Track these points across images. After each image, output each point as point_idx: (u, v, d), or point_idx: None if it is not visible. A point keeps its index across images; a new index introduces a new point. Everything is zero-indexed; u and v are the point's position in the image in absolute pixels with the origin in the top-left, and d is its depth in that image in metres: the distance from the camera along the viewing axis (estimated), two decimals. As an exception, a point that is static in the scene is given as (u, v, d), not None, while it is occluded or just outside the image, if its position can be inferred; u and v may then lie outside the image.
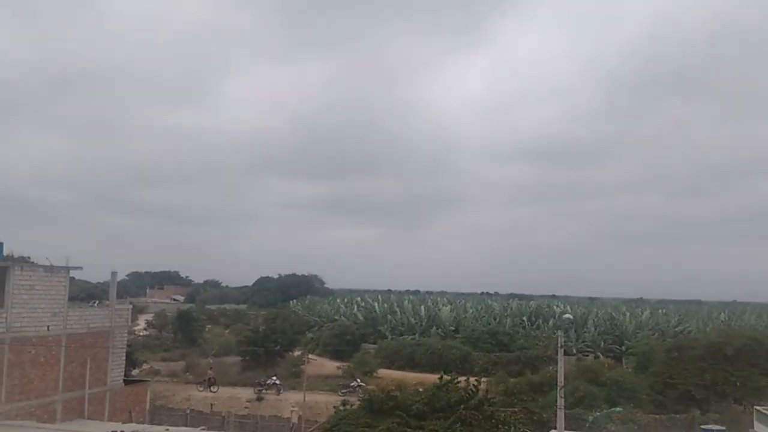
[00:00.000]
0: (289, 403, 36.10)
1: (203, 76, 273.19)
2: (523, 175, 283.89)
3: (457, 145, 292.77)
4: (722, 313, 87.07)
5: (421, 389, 22.96)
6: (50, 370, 24.00)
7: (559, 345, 21.64)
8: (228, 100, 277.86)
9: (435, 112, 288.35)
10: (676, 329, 66.32)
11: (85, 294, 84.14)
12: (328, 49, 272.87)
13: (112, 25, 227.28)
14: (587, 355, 55.85)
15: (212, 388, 40.38)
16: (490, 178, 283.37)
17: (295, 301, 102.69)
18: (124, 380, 29.20)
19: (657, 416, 30.24)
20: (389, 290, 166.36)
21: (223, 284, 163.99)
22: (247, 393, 39.72)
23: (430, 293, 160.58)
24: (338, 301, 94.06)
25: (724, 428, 25.55)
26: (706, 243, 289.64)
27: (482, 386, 21.41)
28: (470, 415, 18.95)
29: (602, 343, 60.34)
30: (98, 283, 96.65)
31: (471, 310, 76.52)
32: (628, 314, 71.85)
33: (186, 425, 30.37)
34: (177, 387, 41.64)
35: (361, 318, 71.08)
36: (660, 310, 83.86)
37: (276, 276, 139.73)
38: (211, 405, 37.25)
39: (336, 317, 73.78)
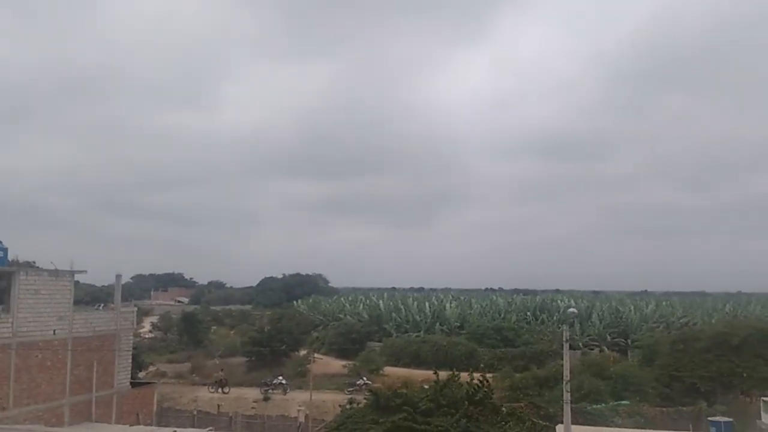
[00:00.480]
0: (295, 402, 36.19)
1: (204, 77, 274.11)
2: (526, 170, 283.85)
3: (460, 143, 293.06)
4: (727, 305, 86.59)
5: (426, 386, 23.00)
6: (57, 374, 24.06)
7: (564, 339, 21.61)
8: (229, 100, 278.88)
9: (436, 110, 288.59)
10: (681, 321, 66.14)
11: (90, 297, 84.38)
12: (328, 48, 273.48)
13: (112, 26, 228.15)
14: (592, 349, 55.85)
15: (224, 389, 40.45)
16: (493, 174, 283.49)
17: (299, 300, 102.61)
18: (131, 383, 29.23)
19: (663, 409, 30.26)
20: (393, 288, 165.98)
21: (228, 285, 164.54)
22: (253, 393, 39.83)
23: (434, 290, 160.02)
24: (343, 299, 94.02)
25: (731, 420, 25.47)
26: (710, 234, 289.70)
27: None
28: (476, 411, 19.00)
29: (607, 337, 60.36)
30: (103, 286, 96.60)
31: (476, 306, 76.30)
32: (632, 307, 71.50)
33: (193, 426, 30.47)
34: (183, 388, 41.81)
35: (366, 316, 71.08)
36: (665, 303, 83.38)
37: (280, 276, 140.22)
38: (218, 406, 37.38)
39: (341, 316, 73.86)
